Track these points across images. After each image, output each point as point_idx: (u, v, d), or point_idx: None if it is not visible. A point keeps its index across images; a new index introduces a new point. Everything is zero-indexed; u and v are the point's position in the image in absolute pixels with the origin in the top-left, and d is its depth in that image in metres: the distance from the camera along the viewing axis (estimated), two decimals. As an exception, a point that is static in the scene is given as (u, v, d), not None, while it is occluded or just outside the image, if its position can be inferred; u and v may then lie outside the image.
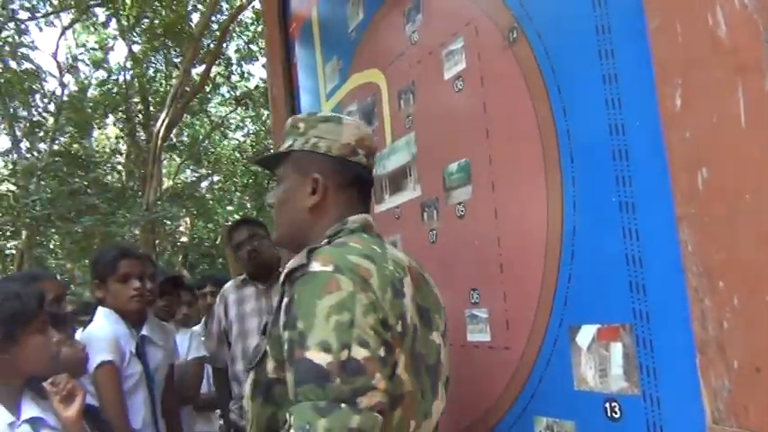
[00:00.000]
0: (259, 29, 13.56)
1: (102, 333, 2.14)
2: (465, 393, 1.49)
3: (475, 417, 1.45)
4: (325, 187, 1.25)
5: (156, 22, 12.29)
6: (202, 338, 3.08)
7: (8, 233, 12.01)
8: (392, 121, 1.80)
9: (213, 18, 11.80)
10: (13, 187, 12.08)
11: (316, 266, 1.07)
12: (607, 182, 1.10)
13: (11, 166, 12.24)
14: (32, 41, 13.49)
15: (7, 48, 12.20)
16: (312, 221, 1.27)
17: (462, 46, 1.49)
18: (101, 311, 2.24)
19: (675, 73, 0.95)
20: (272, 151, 1.57)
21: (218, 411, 3.31)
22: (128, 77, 13.99)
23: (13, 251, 12.75)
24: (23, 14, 12.01)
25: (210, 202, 15.57)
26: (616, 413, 1.10)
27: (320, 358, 0.99)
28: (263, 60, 14.22)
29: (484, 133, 1.42)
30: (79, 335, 2.23)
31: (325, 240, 1.18)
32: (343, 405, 0.97)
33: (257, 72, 18.47)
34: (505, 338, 1.37)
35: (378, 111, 1.87)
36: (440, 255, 1.59)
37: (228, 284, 3.06)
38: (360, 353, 1.00)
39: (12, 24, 12.02)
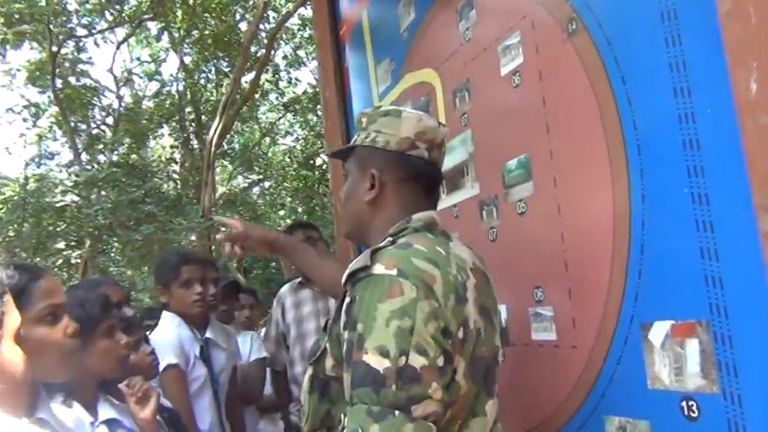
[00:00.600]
0: (305, 35, 13.74)
1: (168, 337, 2.19)
2: (531, 394, 1.47)
3: (542, 417, 1.43)
4: (383, 182, 1.24)
5: (206, 33, 12.59)
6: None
7: (72, 243, 12.47)
8: (447, 119, 1.78)
9: (261, 26, 12.00)
10: (76, 198, 12.56)
11: (379, 269, 1.06)
12: (678, 173, 1.07)
13: (74, 178, 12.72)
14: (90, 57, 13.96)
15: (67, 64, 12.70)
16: (371, 216, 1.26)
17: (519, 40, 1.46)
18: (165, 316, 2.29)
19: (750, 57, 0.92)
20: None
21: (279, 413, 3.36)
22: (180, 88, 14.38)
23: (78, 260, 13.24)
24: (81, 31, 12.48)
25: (262, 207, 15.83)
26: (694, 412, 1.07)
27: (377, 362, 0.98)
28: (310, 66, 14.42)
29: (544, 128, 1.39)
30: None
31: (389, 239, 1.16)
32: (397, 412, 0.96)
33: (304, 77, 18.73)
34: (572, 337, 1.34)
35: (432, 110, 1.86)
36: (500, 253, 1.57)
37: (285, 288, 3.10)
38: (418, 361, 0.99)
39: (71, 41, 12.50)
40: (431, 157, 1.26)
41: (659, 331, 1.12)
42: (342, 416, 1.03)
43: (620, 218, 1.20)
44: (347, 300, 1.09)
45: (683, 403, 1.08)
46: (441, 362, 1.01)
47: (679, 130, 1.06)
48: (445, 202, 1.81)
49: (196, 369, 2.22)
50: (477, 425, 1.11)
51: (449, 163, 1.77)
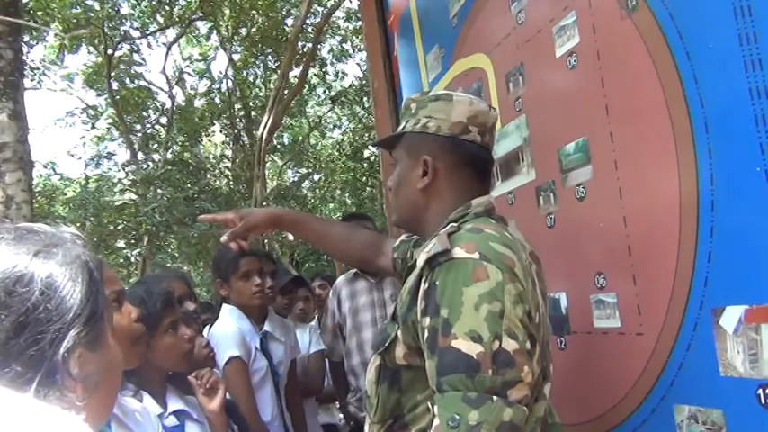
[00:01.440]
0: (351, 27, 13.77)
1: (229, 329, 2.23)
2: (595, 382, 1.44)
3: (607, 406, 1.39)
4: (436, 169, 1.22)
5: (254, 30, 12.76)
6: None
7: (131, 241, 12.88)
8: (500, 105, 1.75)
9: (307, 21, 12.08)
10: (134, 196, 12.95)
11: (460, 253, 1.03)
12: (750, 151, 1.02)
13: (131, 177, 13.12)
14: (143, 59, 14.35)
15: (122, 66, 13.09)
16: (426, 203, 1.25)
17: (575, 20, 1.42)
18: (226, 309, 2.34)
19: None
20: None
21: (337, 404, 3.39)
22: (230, 85, 14.64)
23: (137, 258, 13.67)
24: (134, 34, 12.84)
25: (312, 200, 16.00)
26: (771, 400, 1.02)
27: (469, 348, 0.96)
28: (356, 58, 14.45)
29: (603, 109, 1.35)
30: (206, 332, 2.35)
31: (452, 225, 1.13)
32: (495, 398, 0.95)
33: (351, 70, 18.78)
34: (638, 324, 1.30)
35: (484, 96, 1.83)
36: (559, 239, 1.53)
37: (341, 279, 3.11)
38: (510, 344, 0.97)
39: (125, 44, 12.87)
40: (483, 141, 1.23)
41: (731, 316, 1.08)
42: (429, 404, 1.02)
43: (687, 200, 1.15)
44: (424, 285, 1.06)
45: (760, 391, 1.03)
46: (528, 345, 1.00)
47: (750, 106, 1.01)
48: (500, 189, 1.78)
49: (257, 361, 2.26)
50: (540, 408, 1.10)
51: (503, 149, 1.75)
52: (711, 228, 1.11)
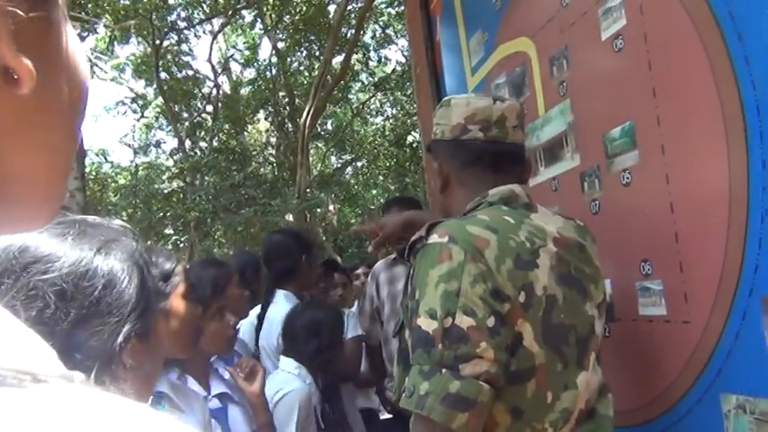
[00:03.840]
0: (393, 12, 13.70)
1: (281, 315, 2.33)
2: (640, 370, 1.42)
3: (652, 395, 1.37)
4: (446, 172, 1.31)
5: (297, 17, 12.84)
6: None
7: (179, 227, 13.22)
8: (544, 89, 1.73)
9: (349, 7, 12.08)
10: (182, 184, 13.26)
11: (433, 238, 1.11)
12: (804, 134, 0.99)
13: (179, 165, 13.44)
14: (191, 49, 14.61)
15: (169, 56, 13.36)
16: (448, 205, 1.34)
17: (621, 2, 1.39)
18: (280, 294, 2.43)
19: None
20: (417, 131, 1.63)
21: (374, 388, 3.42)
22: (274, 72, 14.78)
23: (185, 244, 14.02)
24: (181, 24, 13.07)
25: (355, 186, 16.08)
26: (824, 391, 0.99)
27: (427, 325, 1.04)
28: (399, 44, 14.39)
29: (650, 93, 1.32)
30: (254, 313, 2.42)
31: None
32: (444, 370, 1.01)
33: (393, 57, 18.73)
34: (684, 311, 1.28)
35: (528, 80, 1.81)
36: (604, 225, 1.51)
37: (379, 264, 3.12)
38: (464, 321, 1.03)
39: (172, 34, 13.12)
40: (489, 135, 1.27)
41: (783, 305, 1.05)
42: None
43: (736, 185, 1.12)
44: (411, 271, 1.16)
45: (812, 381, 1.01)
46: (491, 322, 1.04)
47: (805, 88, 0.98)
48: (543, 175, 1.76)
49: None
50: (569, 397, 1.11)
51: (546, 134, 1.73)
52: (762, 213, 1.08)
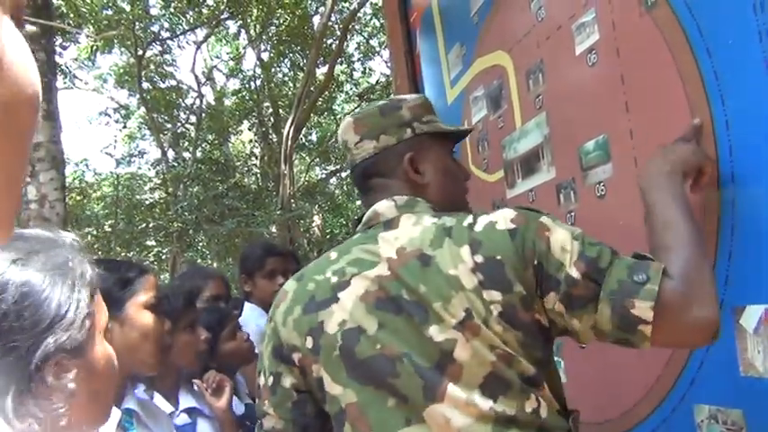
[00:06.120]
0: (377, 24, 13.76)
1: (250, 329, 2.27)
2: (612, 382, 1.43)
3: (624, 407, 1.38)
4: None
5: (281, 28, 12.84)
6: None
7: (162, 238, 13.09)
8: (521, 103, 1.75)
9: (333, 18, 12.12)
10: (164, 195, 13.16)
11: None
12: (771, 148, 1.00)
13: (161, 175, 13.34)
14: (174, 60, 14.55)
15: (152, 67, 13.30)
16: None
17: (594, 17, 1.41)
18: (248, 307, 2.38)
19: None
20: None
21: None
22: (258, 83, 14.75)
23: (167, 255, 13.88)
24: (164, 34, 13.02)
25: (340, 197, 16.07)
26: (793, 402, 1.01)
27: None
28: (383, 55, 14.44)
29: (623, 107, 1.34)
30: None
31: None
32: (258, 422, 1.17)
33: (377, 67, 18.79)
34: (658, 322, 1.28)
35: (505, 94, 1.83)
36: (580, 237, 1.52)
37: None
38: (260, 380, 1.17)
39: (155, 45, 13.07)
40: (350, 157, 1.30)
41: (752, 316, 1.06)
42: None
43: (708, 198, 1.14)
44: None
45: (781, 392, 1.02)
46: (270, 381, 1.14)
47: (771, 103, 1.00)
48: (520, 187, 1.78)
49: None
50: None
51: (523, 147, 1.74)
52: (732, 226, 1.09)
